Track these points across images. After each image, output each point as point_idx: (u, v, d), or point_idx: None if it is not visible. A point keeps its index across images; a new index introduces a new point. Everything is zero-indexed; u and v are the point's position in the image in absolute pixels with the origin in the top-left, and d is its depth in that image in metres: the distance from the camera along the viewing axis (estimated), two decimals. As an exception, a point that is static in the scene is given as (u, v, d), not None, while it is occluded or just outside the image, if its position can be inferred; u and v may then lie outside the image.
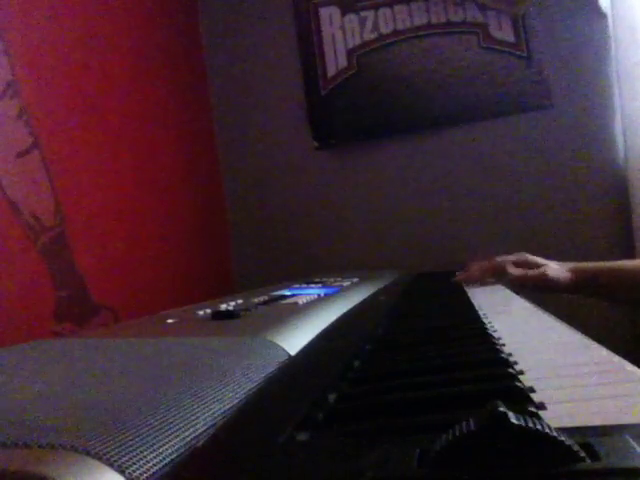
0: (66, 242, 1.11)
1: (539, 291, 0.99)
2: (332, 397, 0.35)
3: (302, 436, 0.28)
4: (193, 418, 0.27)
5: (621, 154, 1.50)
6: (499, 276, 1.02)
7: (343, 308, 0.68)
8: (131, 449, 0.23)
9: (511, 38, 1.56)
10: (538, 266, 1.01)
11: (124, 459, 0.22)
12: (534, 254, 1.06)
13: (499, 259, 1.04)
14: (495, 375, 0.35)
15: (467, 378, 0.35)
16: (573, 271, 0.99)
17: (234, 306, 0.68)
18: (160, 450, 0.24)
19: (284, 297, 0.78)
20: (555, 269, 0.99)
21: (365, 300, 0.82)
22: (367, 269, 1.41)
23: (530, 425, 0.20)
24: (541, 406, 0.30)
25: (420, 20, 1.61)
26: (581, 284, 0.98)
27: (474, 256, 1.14)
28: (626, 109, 1.45)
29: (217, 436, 0.27)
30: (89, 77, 1.25)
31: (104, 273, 1.21)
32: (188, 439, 0.26)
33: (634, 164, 1.43)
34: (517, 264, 1.02)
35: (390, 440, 0.24)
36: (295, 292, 0.84)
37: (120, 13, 1.40)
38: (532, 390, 0.33)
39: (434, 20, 1.60)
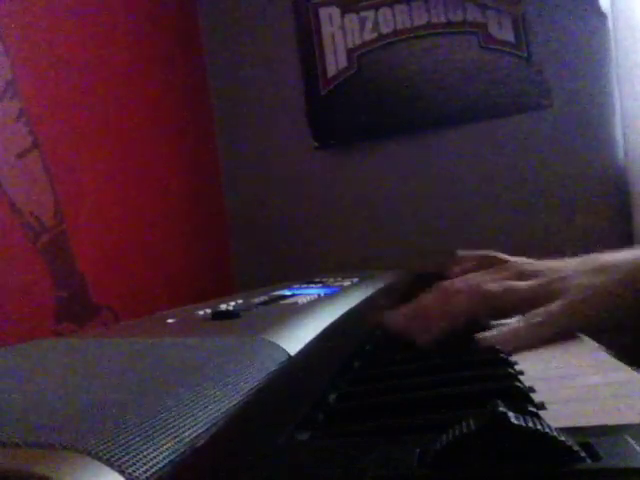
0: (66, 242, 1.11)
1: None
2: (332, 397, 0.35)
3: (302, 436, 0.28)
4: (193, 418, 0.27)
5: (621, 154, 1.50)
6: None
7: (343, 308, 0.68)
8: (131, 449, 0.23)
9: (511, 38, 1.56)
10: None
11: (124, 459, 0.22)
12: (534, 254, 0.66)
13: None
14: (495, 375, 0.35)
15: (467, 378, 0.35)
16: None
17: (234, 306, 0.68)
18: (160, 450, 0.24)
19: (284, 297, 0.78)
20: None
21: (365, 300, 0.82)
22: (367, 269, 1.41)
23: (530, 425, 0.20)
24: (541, 406, 0.30)
25: (420, 20, 1.61)
26: None
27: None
28: (626, 109, 1.45)
29: (217, 436, 0.27)
30: (89, 77, 1.25)
31: (104, 273, 1.21)
32: (188, 439, 0.26)
33: (634, 164, 1.43)
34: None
35: (390, 440, 0.24)
36: (295, 292, 0.84)
37: (120, 13, 1.40)
38: (532, 390, 0.33)
39: (434, 20, 1.60)
